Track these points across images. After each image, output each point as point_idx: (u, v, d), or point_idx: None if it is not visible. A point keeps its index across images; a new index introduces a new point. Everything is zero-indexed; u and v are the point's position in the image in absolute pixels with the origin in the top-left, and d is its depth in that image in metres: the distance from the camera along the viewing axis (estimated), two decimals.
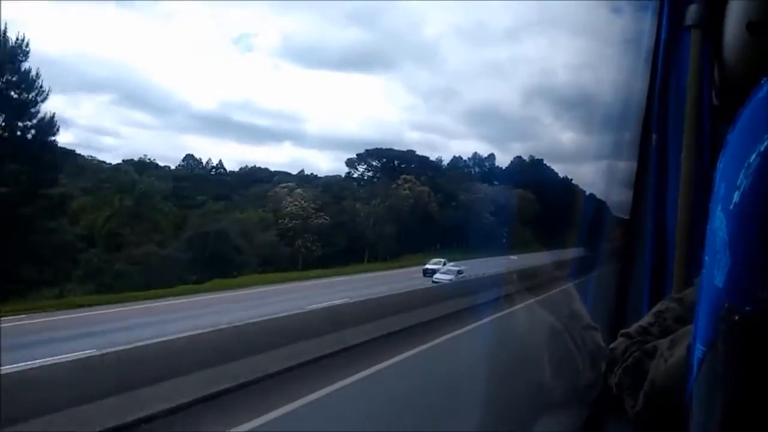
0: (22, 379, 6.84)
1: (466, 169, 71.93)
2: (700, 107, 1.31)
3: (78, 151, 53.16)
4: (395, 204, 58.46)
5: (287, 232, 52.35)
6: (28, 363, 9.32)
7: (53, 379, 6.98)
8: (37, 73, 31.35)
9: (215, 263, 40.13)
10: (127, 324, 17.78)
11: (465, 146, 75.35)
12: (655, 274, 1.45)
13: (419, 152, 72.90)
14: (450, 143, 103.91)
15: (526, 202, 51.73)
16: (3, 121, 30.73)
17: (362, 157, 69.68)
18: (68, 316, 20.29)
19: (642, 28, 1.55)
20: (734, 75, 1.06)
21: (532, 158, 66.61)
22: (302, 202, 54.20)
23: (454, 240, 60.54)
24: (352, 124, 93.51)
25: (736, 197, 0.49)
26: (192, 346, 9.27)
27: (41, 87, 31.46)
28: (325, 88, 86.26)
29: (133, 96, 74.94)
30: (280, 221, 52.64)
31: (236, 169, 68.16)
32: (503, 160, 73.16)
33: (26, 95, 31.28)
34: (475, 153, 75.09)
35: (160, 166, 60.74)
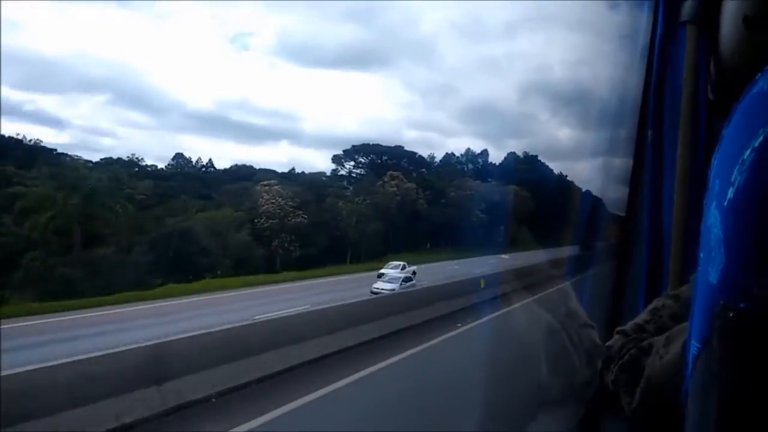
0: None
1: (458, 166, 72.42)
2: (696, 103, 1.36)
3: (70, 151, 54.34)
4: (381, 202, 57.88)
5: (263, 232, 51.31)
6: None
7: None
8: None
9: (180, 266, 38.44)
10: (57, 336, 16.80)
11: (462, 144, 77.18)
12: (650, 271, 1.49)
13: (416, 150, 73.92)
14: (447, 141, 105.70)
15: (520, 199, 51.82)
16: None
17: (349, 154, 69.50)
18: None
19: (638, 23, 1.60)
20: (730, 69, 1.11)
21: (526, 154, 66.99)
22: (279, 200, 53.09)
23: (444, 239, 60.57)
24: (349, 123, 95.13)
25: (730, 193, 0.51)
26: None
27: None
28: (321, 87, 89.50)
29: (130, 96, 77.73)
30: (256, 220, 51.51)
31: (227, 167, 68.72)
32: (499, 157, 74.87)
33: None
34: (468, 149, 75.79)
35: (148, 165, 61.59)
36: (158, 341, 9.32)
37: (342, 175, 69.10)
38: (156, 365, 8.16)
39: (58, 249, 35.58)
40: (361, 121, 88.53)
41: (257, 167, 66.82)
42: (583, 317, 1.48)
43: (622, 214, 1.70)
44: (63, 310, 23.55)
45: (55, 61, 68.63)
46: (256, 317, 17.82)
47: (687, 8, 1.37)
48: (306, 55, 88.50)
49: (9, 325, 18.83)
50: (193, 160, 68.32)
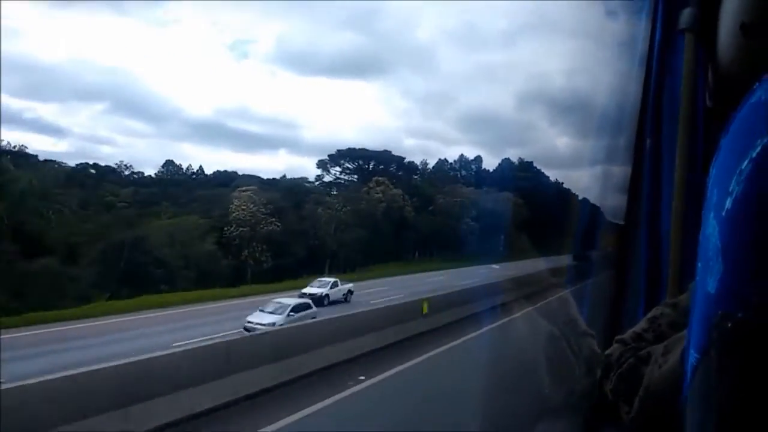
0: None
1: (452, 173, 72.83)
2: (694, 111, 1.43)
3: (68, 160, 56.14)
4: (365, 209, 57.23)
5: (233, 240, 49.87)
6: None
7: None
8: None
9: (132, 279, 36.65)
10: None
11: (461, 152, 78.76)
12: (650, 279, 1.55)
13: (414, 158, 74.80)
14: (446, 149, 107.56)
15: (514, 206, 51.23)
16: None
17: (335, 159, 69.32)
18: None
19: (636, 31, 1.68)
20: (728, 77, 1.17)
21: (521, 160, 67.47)
22: (250, 206, 51.60)
23: (433, 248, 60.48)
24: (348, 131, 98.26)
25: (728, 204, 0.53)
26: None
27: None
28: (320, 95, 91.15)
29: (129, 104, 78.94)
30: (225, 229, 50.13)
31: (209, 173, 68.74)
32: (496, 165, 75.79)
33: None
34: (462, 155, 76.42)
35: (134, 172, 61.27)
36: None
37: (329, 181, 68.98)
38: None
39: None
40: (360, 129, 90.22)
41: (242, 173, 66.74)
42: (583, 326, 1.54)
43: (621, 222, 1.77)
44: None
45: (54, 68, 69.46)
46: (175, 344, 16.24)
47: (685, 16, 1.43)
48: (305, 63, 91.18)
49: None
50: (184, 167, 68.36)
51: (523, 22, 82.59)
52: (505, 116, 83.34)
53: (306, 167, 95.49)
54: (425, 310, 19.61)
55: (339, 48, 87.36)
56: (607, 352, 1.05)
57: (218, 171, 67.89)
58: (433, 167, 73.95)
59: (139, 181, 60.79)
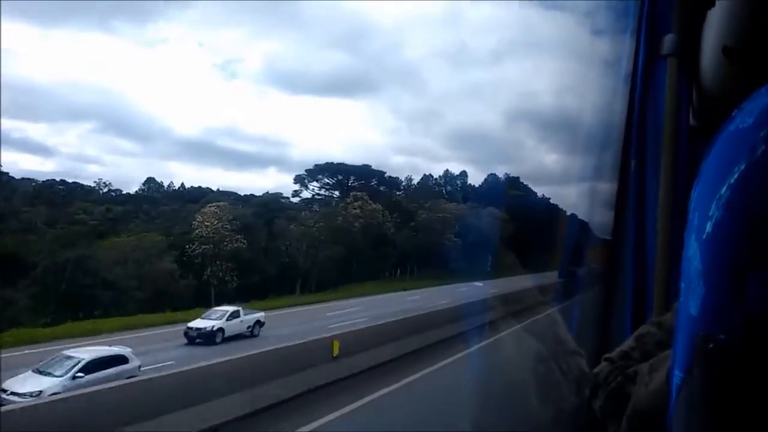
0: None
1: (437, 188, 73.60)
2: (678, 135, 1.52)
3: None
4: (342, 225, 56.68)
5: (195, 259, 48.72)
6: None
7: None
8: None
9: (75, 302, 34.98)
10: None
11: (450, 169, 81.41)
12: (636, 297, 1.62)
13: (400, 174, 76.94)
14: (434, 166, 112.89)
15: (498, 222, 51.68)
16: None
17: (313, 173, 69.33)
18: None
19: (622, 50, 1.78)
20: (712, 99, 1.26)
21: (507, 176, 68.32)
22: (214, 222, 50.47)
23: (414, 265, 60.34)
24: (336, 149, 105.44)
25: (708, 228, 0.56)
26: None
27: None
28: (309, 114, 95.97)
29: (117, 124, 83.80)
30: (187, 246, 48.93)
31: (178, 188, 69.21)
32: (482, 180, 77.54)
33: None
34: (446, 170, 77.76)
35: (112, 190, 61.61)
36: None
37: (309, 197, 68.90)
38: None
39: None
40: (349, 146, 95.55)
41: (219, 189, 66.68)
42: (572, 345, 1.61)
43: (609, 238, 1.85)
44: None
45: (43, 88, 73.47)
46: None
47: (667, 42, 1.54)
48: (294, 82, 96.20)
49: None
50: (167, 184, 68.75)
51: (511, 40, 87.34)
52: (493, 134, 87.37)
53: (295, 186, 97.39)
54: (336, 351, 16.70)
55: (328, 67, 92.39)
56: (595, 370, 1.10)
57: (193, 187, 67.92)
58: (418, 183, 74.95)
59: (115, 198, 60.74)
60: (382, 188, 68.95)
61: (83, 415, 9.36)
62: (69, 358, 17.30)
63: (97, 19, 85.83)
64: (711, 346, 0.54)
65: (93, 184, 61.25)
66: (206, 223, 50.25)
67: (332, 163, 69.92)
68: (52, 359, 17.46)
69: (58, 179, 60.29)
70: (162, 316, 34.95)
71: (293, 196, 68.23)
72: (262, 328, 28.95)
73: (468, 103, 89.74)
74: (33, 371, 16.91)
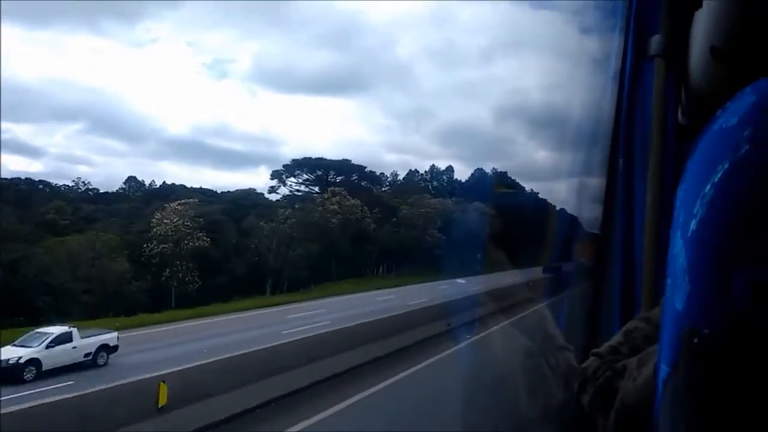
0: None
1: (422, 183, 73.86)
2: (665, 134, 1.59)
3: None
4: (319, 221, 56.32)
5: (152, 259, 47.66)
6: None
7: None
8: None
9: (11, 308, 32.85)
10: None
11: (440, 166, 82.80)
12: (625, 292, 1.68)
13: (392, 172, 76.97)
14: (426, 163, 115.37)
15: (484, 217, 51.14)
16: None
17: (290, 169, 68.91)
18: None
19: (610, 50, 1.86)
20: (700, 98, 1.33)
21: (495, 170, 68.81)
22: (174, 219, 49.29)
23: (396, 262, 60.29)
24: (328, 147, 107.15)
25: (693, 225, 0.59)
26: None
27: None
28: (300, 112, 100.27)
29: (106, 124, 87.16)
30: (145, 246, 47.74)
31: (156, 187, 69.23)
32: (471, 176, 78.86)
33: None
34: (433, 165, 78.48)
35: (90, 189, 62.03)
36: None
37: (288, 194, 68.60)
38: None
39: None
40: (340, 145, 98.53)
41: (190, 186, 66.26)
42: (560, 340, 1.68)
43: (598, 232, 1.92)
44: None
45: (29, 89, 75.06)
46: None
47: (654, 42, 1.61)
48: (284, 81, 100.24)
49: None
50: (147, 183, 68.92)
51: (501, 39, 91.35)
52: (483, 130, 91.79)
53: (272, 181, 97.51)
54: (162, 401, 11.72)
55: (318, 66, 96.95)
56: (583, 365, 1.15)
57: (166, 183, 67.46)
58: (404, 178, 75.13)
59: (93, 198, 60.51)
60: (363, 183, 68.91)
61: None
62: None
63: (85, 20, 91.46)
64: (696, 340, 0.57)
65: (71, 183, 60.57)
66: (165, 221, 49.17)
67: (310, 158, 69.88)
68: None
69: (36, 179, 60.49)
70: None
71: (270, 192, 67.96)
72: (115, 353, 23.69)
73: (459, 100, 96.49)
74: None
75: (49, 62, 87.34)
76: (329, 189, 61.71)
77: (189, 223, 49.68)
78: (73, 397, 10.90)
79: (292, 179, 69.69)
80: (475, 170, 75.66)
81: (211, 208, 54.50)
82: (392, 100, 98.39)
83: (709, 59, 1.23)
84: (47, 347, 21.90)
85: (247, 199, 61.35)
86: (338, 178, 68.27)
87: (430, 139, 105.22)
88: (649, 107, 1.64)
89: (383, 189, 70.62)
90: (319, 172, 68.99)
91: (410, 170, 78.40)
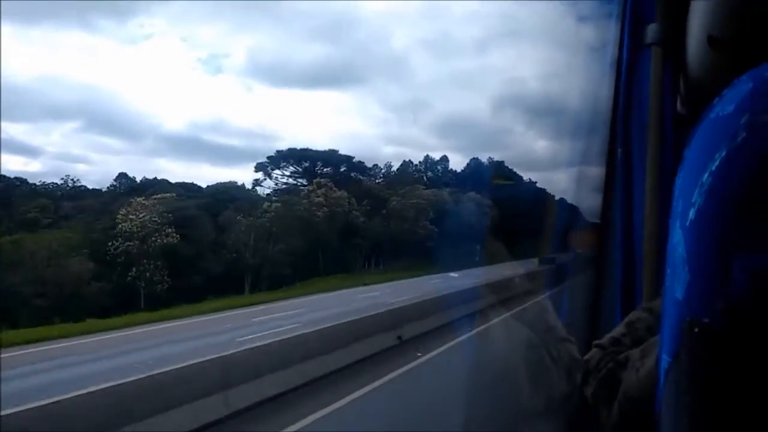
0: None
1: (417, 174, 74.18)
2: (662, 123, 1.64)
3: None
4: (303, 215, 55.83)
5: (117, 258, 46.36)
6: None
7: None
8: None
9: None
10: None
11: (430, 155, 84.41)
12: (626, 283, 1.73)
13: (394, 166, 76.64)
14: (424, 155, 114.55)
15: (480, 207, 50.64)
16: None
17: (275, 161, 68.50)
18: None
19: (607, 38, 1.92)
20: (698, 87, 1.38)
21: (491, 159, 69.01)
22: (140, 214, 48.12)
23: (386, 256, 60.13)
24: (325, 141, 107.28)
25: (692, 214, 0.61)
26: None
27: None
28: (297, 106, 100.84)
29: (102, 121, 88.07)
30: (110, 243, 46.48)
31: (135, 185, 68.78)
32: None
33: None
34: (427, 156, 78.54)
35: (80, 186, 60.99)
36: None
37: (276, 187, 68.16)
38: None
39: None
40: (338, 138, 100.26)
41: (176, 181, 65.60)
42: (562, 332, 1.74)
43: (597, 221, 1.98)
44: None
45: (24, 88, 75.75)
46: None
47: (651, 31, 1.66)
48: (280, 75, 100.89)
49: None
50: (138, 179, 67.22)
51: (496, 28, 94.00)
52: (481, 121, 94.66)
53: (256, 174, 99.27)
54: None
55: (313, 59, 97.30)
56: (585, 357, 1.20)
57: (146, 179, 66.70)
58: (398, 169, 75.35)
59: (82, 194, 59.69)
60: (353, 174, 68.86)
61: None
62: None
63: (77, 17, 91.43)
64: (696, 330, 0.59)
65: (60, 181, 60.07)
66: (131, 217, 47.99)
67: (296, 149, 69.50)
68: None
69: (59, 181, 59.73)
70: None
71: (255, 186, 67.63)
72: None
73: (456, 91, 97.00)
74: None
75: (42, 60, 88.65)
76: (314, 181, 61.15)
77: (157, 219, 48.56)
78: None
79: (278, 172, 69.40)
80: (471, 159, 76.42)
81: (185, 203, 53.39)
82: (389, 93, 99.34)
83: (707, 48, 1.27)
84: None
85: (227, 193, 60.41)
86: (325, 170, 68.01)
87: (428, 131, 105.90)
88: (647, 96, 1.68)
89: (377, 181, 70.57)
90: (306, 164, 68.72)
91: (404, 161, 78.60)
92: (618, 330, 1.20)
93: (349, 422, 12.31)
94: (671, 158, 1.62)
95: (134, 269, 46.75)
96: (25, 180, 60.88)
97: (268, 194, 65.30)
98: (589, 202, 2.11)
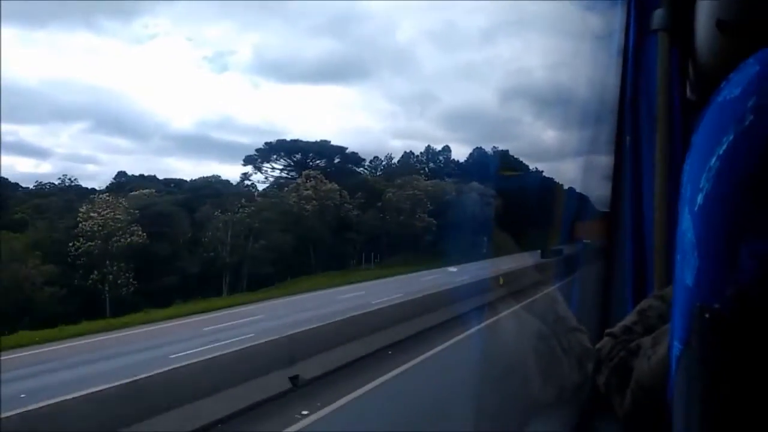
0: None
1: (418, 165, 74.52)
2: (671, 109, 1.70)
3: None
4: (291, 209, 55.40)
5: (77, 260, 44.71)
6: None
7: None
8: None
9: None
10: None
11: (431, 145, 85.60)
12: (637, 271, 1.80)
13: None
14: (431, 148, 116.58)
15: (482, 198, 49.95)
16: None
17: (265, 154, 68.21)
18: None
19: (613, 25, 1.99)
20: (707, 73, 1.41)
21: (495, 149, 69.20)
22: (104, 212, 46.30)
23: (383, 251, 59.94)
24: (333, 136, 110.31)
25: (700, 199, 0.62)
26: None
27: None
28: (303, 102, 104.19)
29: (110, 122, 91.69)
30: (71, 244, 44.81)
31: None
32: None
33: None
34: (428, 146, 78.91)
35: (71, 186, 60.07)
36: None
37: (264, 182, 68.18)
38: None
39: None
40: (345, 133, 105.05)
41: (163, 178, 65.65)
42: (573, 321, 1.82)
43: (607, 210, 2.04)
44: None
45: (32, 90, 79.48)
46: None
47: (657, 17, 1.71)
48: (285, 71, 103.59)
49: None
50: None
51: (501, 19, 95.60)
52: (489, 112, 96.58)
53: (245, 168, 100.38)
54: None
55: (318, 54, 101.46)
56: (597, 346, 1.24)
57: (134, 175, 66.53)
58: (399, 161, 75.71)
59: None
60: (349, 166, 68.88)
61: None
62: None
63: (82, 18, 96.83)
64: (707, 316, 0.61)
65: (57, 182, 59.51)
66: (92, 214, 46.18)
67: (285, 140, 69.43)
68: None
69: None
70: None
71: (242, 180, 67.42)
72: None
73: (462, 83, 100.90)
74: None
75: (49, 62, 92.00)
76: (303, 173, 60.72)
77: (121, 217, 46.80)
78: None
79: (268, 165, 69.25)
80: (474, 149, 76.81)
81: (159, 198, 52.39)
82: (395, 86, 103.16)
83: (715, 32, 1.30)
84: None
85: (207, 188, 59.10)
86: (318, 162, 67.90)
87: (436, 123, 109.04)
88: (654, 83, 1.74)
89: (378, 173, 70.74)
90: (298, 156, 68.63)
91: (405, 152, 78.96)
92: (629, 318, 1.24)
93: None
94: (681, 145, 1.66)
95: (96, 272, 45.07)
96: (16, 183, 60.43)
97: (249, 187, 64.94)
98: (598, 192, 2.18)
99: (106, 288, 44.62)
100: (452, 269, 35.48)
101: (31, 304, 39.15)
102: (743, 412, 0.60)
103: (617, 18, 1.96)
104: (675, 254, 0.70)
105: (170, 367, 12.77)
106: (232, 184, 64.86)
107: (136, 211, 48.01)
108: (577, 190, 2.72)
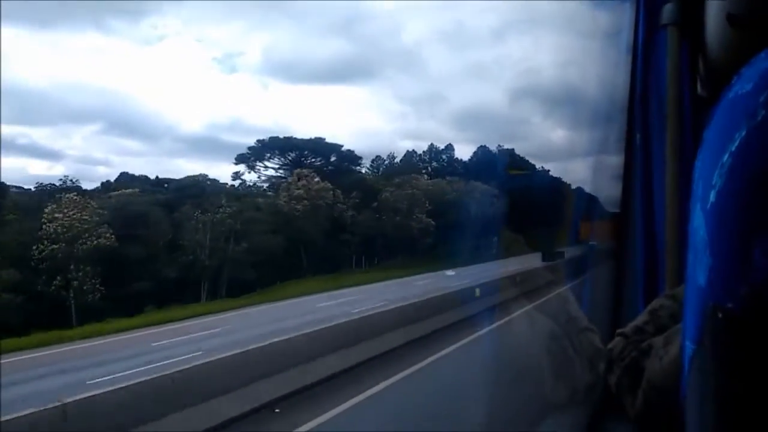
0: None
1: (421, 164, 75.15)
2: (681, 105, 1.75)
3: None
4: (281, 209, 55.05)
5: (40, 264, 42.84)
6: None
7: None
8: None
9: None
10: None
11: (456, 151, 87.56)
12: (648, 271, 1.85)
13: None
14: (434, 147, 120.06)
15: (484, 197, 49.28)
16: None
17: (258, 152, 67.88)
18: None
19: (621, 22, 2.05)
20: (718, 68, 1.44)
21: (500, 147, 69.58)
22: (70, 212, 44.70)
23: (379, 253, 59.78)
24: (343, 137, 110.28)
25: (712, 197, 0.63)
26: None
27: None
28: (313, 103, 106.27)
29: (121, 124, 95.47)
30: (35, 247, 43.01)
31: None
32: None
33: None
34: (432, 145, 79.46)
35: (70, 187, 59.63)
36: None
37: (256, 181, 68.16)
38: None
39: None
40: (354, 133, 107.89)
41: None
42: (584, 321, 1.88)
43: (618, 210, 2.09)
44: None
45: (44, 92, 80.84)
46: None
47: (667, 11, 1.76)
48: (295, 72, 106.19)
49: None
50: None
51: (509, 18, 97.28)
52: (498, 112, 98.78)
53: (237, 167, 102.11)
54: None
55: (327, 55, 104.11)
56: (609, 346, 1.27)
57: (125, 174, 66.81)
58: (401, 160, 76.31)
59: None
60: (345, 164, 68.96)
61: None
62: None
63: (91, 20, 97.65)
64: (720, 315, 0.61)
65: (59, 183, 58.96)
66: (57, 215, 44.42)
67: (278, 137, 69.11)
68: None
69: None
70: None
71: (234, 179, 67.25)
72: None
73: (472, 83, 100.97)
74: None
75: (60, 64, 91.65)
76: (294, 171, 60.43)
77: (88, 218, 45.44)
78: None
79: (261, 164, 69.16)
80: (479, 148, 77.15)
81: (135, 198, 50.73)
82: (405, 86, 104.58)
83: (726, 26, 1.32)
84: None
85: (193, 187, 56.79)
86: (313, 160, 67.90)
87: (445, 123, 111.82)
88: (664, 79, 1.79)
89: (379, 172, 71.03)
90: (292, 154, 68.61)
91: (407, 151, 79.54)
92: (641, 318, 1.27)
93: None
94: (692, 142, 1.70)
95: (59, 277, 43.11)
96: None
97: (234, 186, 64.74)
98: (608, 192, 2.23)
99: (71, 294, 42.78)
100: (450, 273, 35.26)
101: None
102: (758, 412, 0.60)
103: (626, 14, 2.00)
104: (687, 253, 0.70)
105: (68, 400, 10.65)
106: (220, 183, 64.32)
107: (105, 212, 46.37)
108: (587, 190, 2.76)
